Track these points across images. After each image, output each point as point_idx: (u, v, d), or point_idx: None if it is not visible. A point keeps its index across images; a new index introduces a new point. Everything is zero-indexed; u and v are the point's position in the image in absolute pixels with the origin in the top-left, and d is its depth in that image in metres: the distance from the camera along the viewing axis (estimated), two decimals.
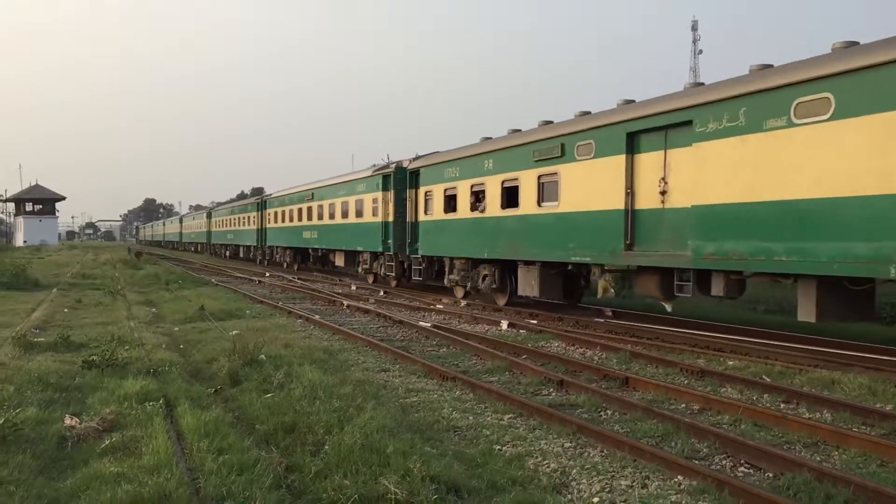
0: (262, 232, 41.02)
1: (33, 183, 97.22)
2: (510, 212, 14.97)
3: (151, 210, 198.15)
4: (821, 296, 7.82)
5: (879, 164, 5.83)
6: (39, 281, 25.56)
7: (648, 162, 10.26)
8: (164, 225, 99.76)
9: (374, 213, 23.37)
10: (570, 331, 14.21)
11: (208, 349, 11.83)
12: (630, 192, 10.66)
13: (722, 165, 8.32)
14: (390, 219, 22.20)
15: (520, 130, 15.31)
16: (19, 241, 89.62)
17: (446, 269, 19.20)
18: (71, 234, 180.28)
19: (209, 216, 59.32)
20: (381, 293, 22.85)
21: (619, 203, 10.72)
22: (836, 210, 6.58)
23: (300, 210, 32.62)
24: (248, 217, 44.56)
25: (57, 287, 23.73)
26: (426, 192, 19.76)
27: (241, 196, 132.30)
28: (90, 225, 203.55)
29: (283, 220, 35.54)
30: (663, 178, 9.79)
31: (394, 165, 22.47)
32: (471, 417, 8.05)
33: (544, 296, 15.04)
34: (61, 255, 53.93)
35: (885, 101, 5.80)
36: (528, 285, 15.23)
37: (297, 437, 6.77)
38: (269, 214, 39.26)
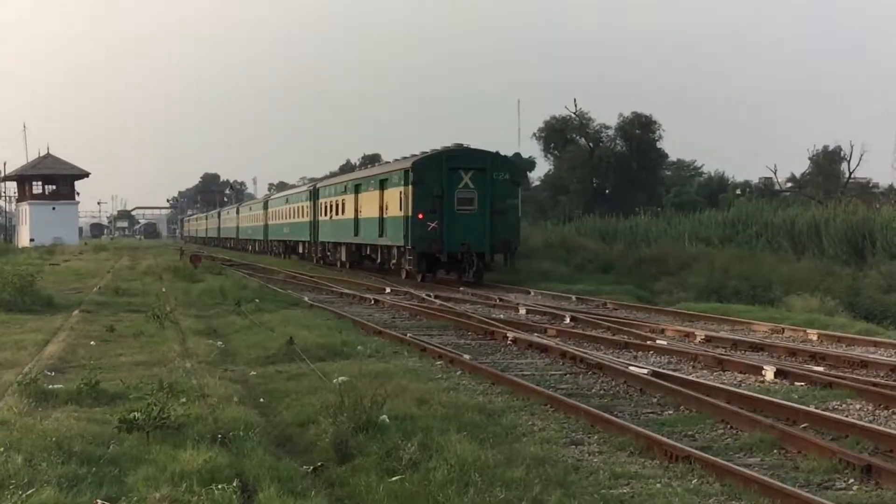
0: (314, 225, 50.40)
1: (43, 152, 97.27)
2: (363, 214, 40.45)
3: (212, 191, 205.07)
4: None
5: (403, 205, 34.16)
6: (54, 299, 26.21)
7: (386, 195, 37.16)
8: (218, 217, 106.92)
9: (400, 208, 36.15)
10: (880, 383, 13.77)
11: (302, 405, 11.90)
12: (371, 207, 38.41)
13: (394, 199, 35.89)
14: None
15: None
16: (24, 238, 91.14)
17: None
18: (97, 228, 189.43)
19: (266, 206, 69.16)
20: (568, 319, 22.59)
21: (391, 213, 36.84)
22: (381, 221, 36.74)
23: (344, 201, 44.30)
24: (302, 207, 53.39)
25: (79, 308, 24.32)
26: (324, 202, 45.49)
27: (346, 168, 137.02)
28: (124, 214, 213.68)
29: (334, 213, 46.30)
30: (385, 202, 37.12)
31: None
32: None
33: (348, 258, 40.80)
34: (84, 260, 55.38)
35: (383, 187, 36.70)
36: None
37: None
38: (321, 205, 49.06)
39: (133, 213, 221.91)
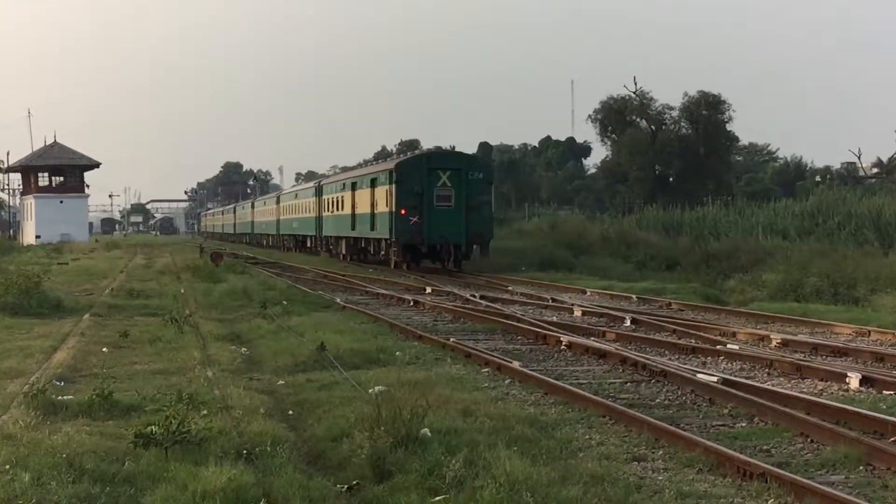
0: (319, 220, 58.24)
1: (49, 140, 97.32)
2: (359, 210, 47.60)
3: (234, 182, 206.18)
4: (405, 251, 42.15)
5: (388, 201, 41.42)
6: (62, 301, 26.38)
7: (376, 192, 44.52)
8: (234, 212, 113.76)
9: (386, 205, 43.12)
10: None
11: (335, 417, 11.93)
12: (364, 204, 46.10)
13: (382, 196, 43.07)
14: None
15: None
16: (29, 235, 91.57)
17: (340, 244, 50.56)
18: (108, 224, 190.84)
19: (278, 201, 77.70)
20: (628, 322, 22.67)
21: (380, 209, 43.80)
22: (371, 217, 44.26)
23: (343, 198, 51.02)
24: (308, 203, 61.53)
25: (90, 312, 24.43)
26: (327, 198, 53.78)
27: (382, 155, 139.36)
28: (138, 208, 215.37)
29: (335, 209, 53.88)
30: (375, 199, 44.36)
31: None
32: None
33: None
34: (95, 259, 55.82)
35: (373, 185, 44.21)
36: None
37: None
38: (325, 201, 56.59)
39: (148, 206, 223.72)
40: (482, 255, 42.91)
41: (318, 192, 58.93)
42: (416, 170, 42.14)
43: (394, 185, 41.91)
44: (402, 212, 41.28)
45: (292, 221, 68.31)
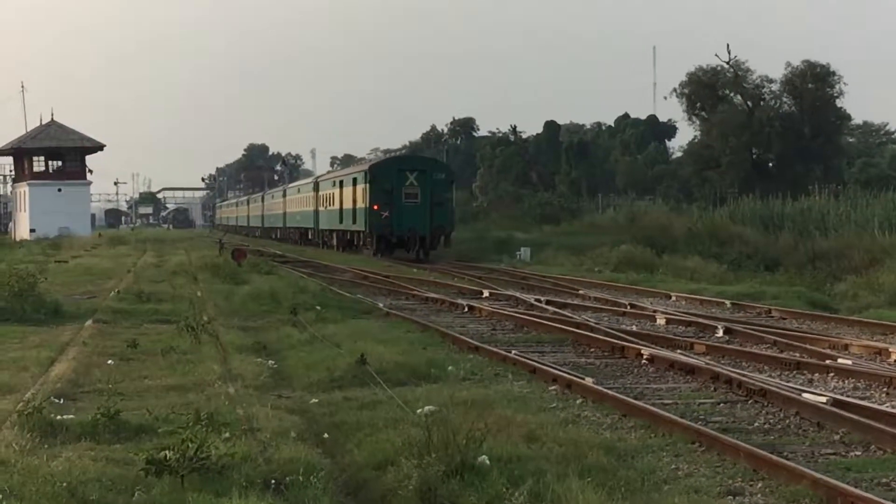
0: (316, 214, 72.74)
1: (46, 119, 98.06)
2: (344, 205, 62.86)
3: (259, 168, 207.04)
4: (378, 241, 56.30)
5: (364, 198, 56.09)
6: (61, 306, 26.58)
7: (357, 190, 59.14)
8: (247, 204, 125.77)
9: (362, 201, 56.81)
10: None
11: (377, 442, 11.98)
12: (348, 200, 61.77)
13: (360, 194, 58.12)
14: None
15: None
16: (23, 228, 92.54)
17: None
18: (114, 216, 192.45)
19: (284, 194, 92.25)
20: (720, 332, 22.73)
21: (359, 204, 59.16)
22: (353, 211, 59.37)
23: (333, 194, 65.56)
24: (308, 198, 75.93)
25: (93, 318, 24.63)
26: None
27: (429, 137, 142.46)
28: (148, 198, 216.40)
29: (328, 204, 68.03)
30: (356, 196, 59.23)
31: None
32: None
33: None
34: (98, 257, 56.21)
35: (355, 184, 59.06)
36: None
37: None
38: (321, 196, 70.66)
39: (159, 195, 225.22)
40: (445, 245, 55.98)
41: (316, 187, 73.04)
42: (387, 171, 56.69)
43: (368, 185, 55.76)
44: (375, 207, 54.77)
45: (296, 215, 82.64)
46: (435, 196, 54.75)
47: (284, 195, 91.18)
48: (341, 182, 63.93)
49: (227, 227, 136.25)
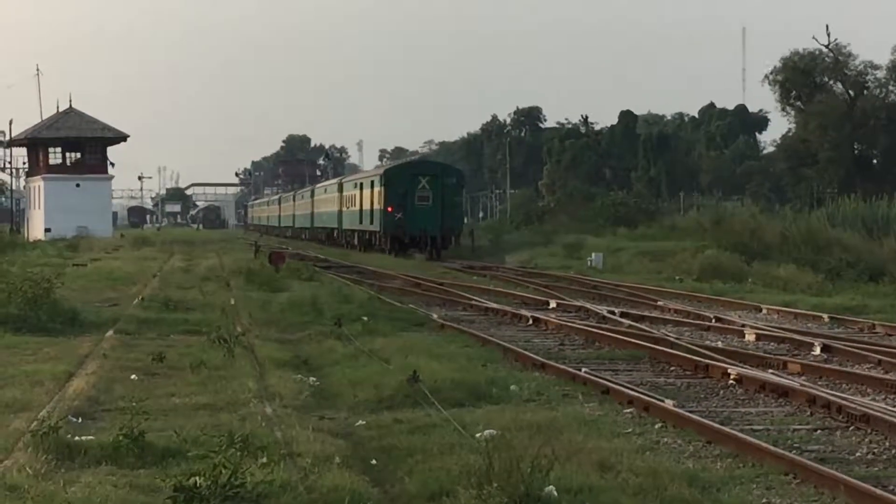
0: (340, 214, 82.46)
1: (63, 106, 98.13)
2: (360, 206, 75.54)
3: (299, 161, 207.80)
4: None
5: (380, 200, 67.10)
6: (79, 314, 26.59)
7: (374, 193, 70.06)
8: (279, 203, 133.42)
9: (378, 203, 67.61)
10: None
11: (431, 469, 11.98)
12: (367, 202, 73.85)
13: (377, 196, 69.08)
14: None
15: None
16: (37, 227, 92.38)
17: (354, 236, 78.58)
18: (138, 214, 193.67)
19: (312, 194, 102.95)
20: (818, 350, 22.63)
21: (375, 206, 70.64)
22: (371, 213, 70.85)
23: (355, 196, 75.42)
24: (334, 198, 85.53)
25: (114, 328, 24.80)
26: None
27: (489, 127, 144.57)
28: (176, 194, 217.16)
29: (350, 205, 78.25)
30: (373, 198, 70.34)
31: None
32: None
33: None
34: (120, 259, 56.23)
35: (373, 187, 69.47)
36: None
37: None
38: (344, 197, 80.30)
39: (188, 192, 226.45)
40: (455, 244, 66.18)
41: (340, 188, 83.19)
42: (401, 175, 66.75)
43: (383, 188, 65.72)
44: (389, 209, 64.56)
45: (323, 215, 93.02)
46: (446, 199, 64.70)
47: (313, 195, 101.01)
48: (361, 184, 73.89)
49: (259, 228, 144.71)
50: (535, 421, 14.19)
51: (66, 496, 10.02)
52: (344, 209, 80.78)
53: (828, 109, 77.19)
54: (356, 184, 76.09)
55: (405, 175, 66.37)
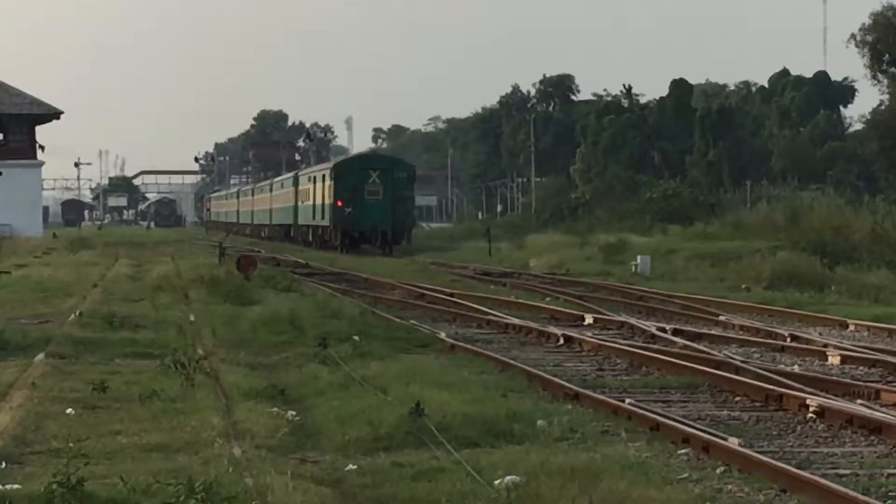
0: (295, 210, 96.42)
1: None
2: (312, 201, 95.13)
3: (274, 142, 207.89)
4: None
5: (330, 195, 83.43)
6: (2, 333, 26.65)
7: (325, 187, 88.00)
8: (237, 197, 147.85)
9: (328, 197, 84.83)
10: None
11: None
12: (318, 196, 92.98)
13: (328, 190, 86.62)
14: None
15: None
16: None
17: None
18: (73, 208, 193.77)
19: (271, 189, 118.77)
20: None
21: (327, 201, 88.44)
22: (322, 207, 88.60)
23: (308, 190, 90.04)
24: (288, 193, 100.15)
25: (45, 350, 24.85)
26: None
27: (506, 99, 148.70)
28: (122, 184, 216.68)
29: (304, 199, 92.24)
30: (325, 193, 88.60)
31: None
32: None
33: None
34: (53, 265, 56.49)
35: (324, 181, 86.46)
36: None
37: None
38: (300, 191, 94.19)
39: (137, 181, 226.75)
40: (406, 240, 78.76)
41: (296, 182, 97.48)
42: (351, 169, 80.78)
43: (333, 182, 78.49)
44: (339, 203, 76.80)
45: (279, 211, 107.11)
46: (396, 193, 77.65)
47: (271, 189, 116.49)
48: (315, 178, 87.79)
49: (218, 225, 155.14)
50: (568, 465, 14.13)
51: None
52: (300, 204, 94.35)
53: None
54: (310, 177, 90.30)
55: (355, 169, 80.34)
